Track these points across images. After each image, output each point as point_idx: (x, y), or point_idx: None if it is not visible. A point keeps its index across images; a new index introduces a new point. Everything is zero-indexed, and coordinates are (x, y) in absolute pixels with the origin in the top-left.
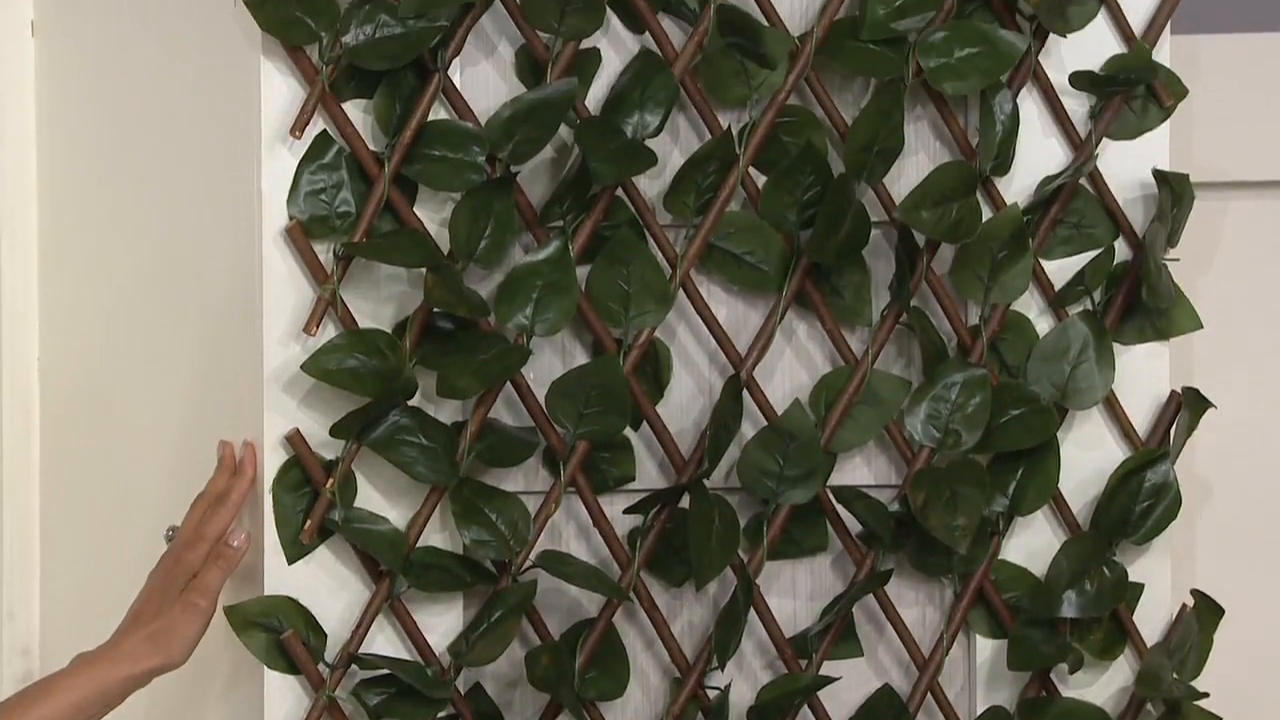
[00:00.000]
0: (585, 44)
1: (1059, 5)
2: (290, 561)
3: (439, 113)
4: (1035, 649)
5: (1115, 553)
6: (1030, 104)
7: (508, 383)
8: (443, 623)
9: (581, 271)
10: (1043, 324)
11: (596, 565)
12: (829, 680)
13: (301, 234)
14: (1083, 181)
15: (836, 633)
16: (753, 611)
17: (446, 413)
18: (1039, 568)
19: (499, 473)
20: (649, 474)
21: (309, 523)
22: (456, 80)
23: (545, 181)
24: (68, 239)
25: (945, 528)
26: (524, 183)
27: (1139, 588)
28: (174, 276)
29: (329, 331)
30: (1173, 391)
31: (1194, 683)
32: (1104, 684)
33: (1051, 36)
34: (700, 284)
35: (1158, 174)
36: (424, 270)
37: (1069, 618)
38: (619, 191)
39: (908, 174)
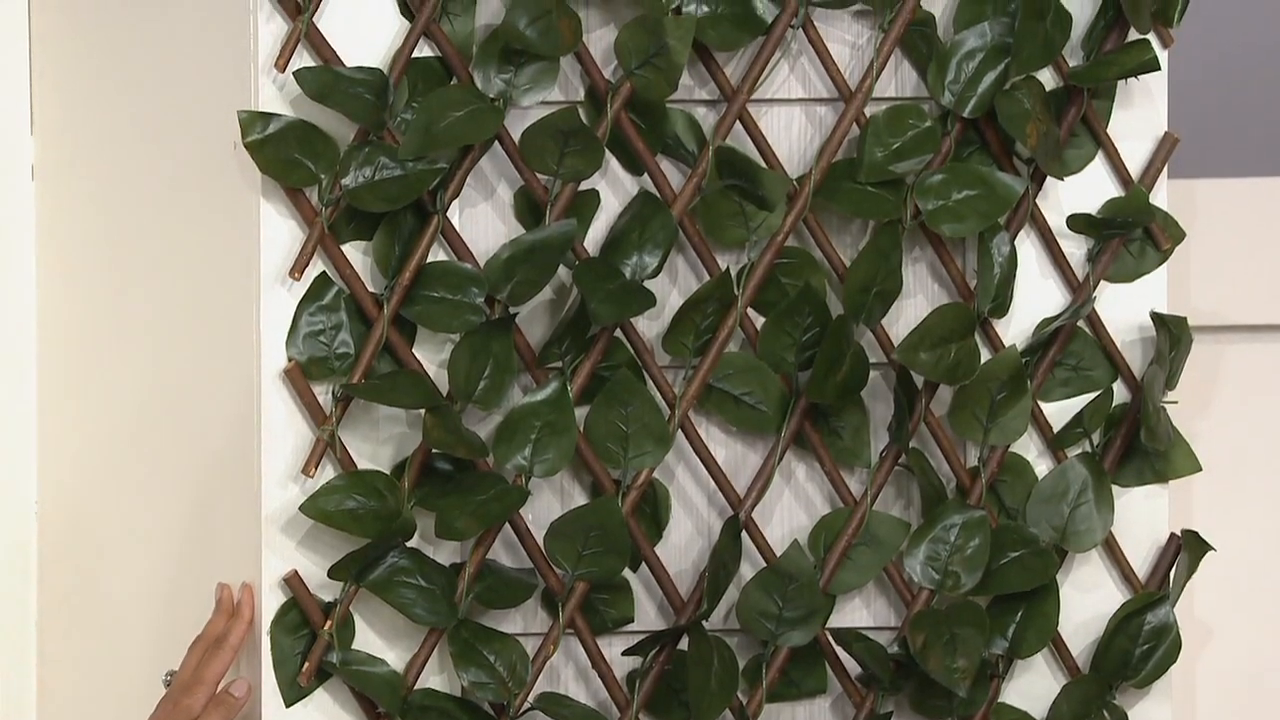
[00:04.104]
0: (584, 185)
1: (1056, 148)
2: (288, 704)
3: (438, 254)
4: None
5: (1115, 696)
6: (1028, 246)
7: (506, 524)
8: None
9: (580, 412)
10: (1041, 466)
11: (595, 707)
12: None
13: (300, 375)
14: (1081, 324)
15: None
16: None
17: (445, 554)
18: (1039, 711)
19: (497, 614)
20: (648, 615)
21: (307, 665)
22: (455, 221)
23: (544, 322)
24: (67, 380)
25: (945, 670)
26: (523, 324)
27: None
28: (172, 417)
29: (327, 473)
30: (1172, 534)
31: None
32: None
33: (1049, 179)
34: (699, 425)
35: (1156, 317)
36: (423, 411)
37: None
38: (618, 332)
39: (906, 315)
